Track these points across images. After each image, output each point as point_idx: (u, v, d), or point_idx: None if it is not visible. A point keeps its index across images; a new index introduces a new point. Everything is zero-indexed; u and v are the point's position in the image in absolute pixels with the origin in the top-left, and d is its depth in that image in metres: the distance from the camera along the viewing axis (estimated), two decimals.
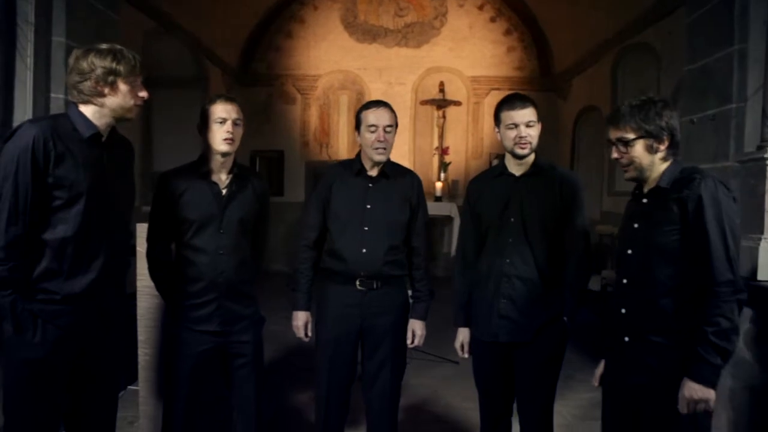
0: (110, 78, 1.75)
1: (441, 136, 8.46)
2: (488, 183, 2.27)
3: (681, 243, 1.66)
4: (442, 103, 8.37)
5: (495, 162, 2.11)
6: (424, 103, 8.43)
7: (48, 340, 1.71)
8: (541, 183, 2.16)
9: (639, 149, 1.71)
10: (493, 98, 8.47)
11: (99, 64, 1.74)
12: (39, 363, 1.71)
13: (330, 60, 8.56)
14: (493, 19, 8.48)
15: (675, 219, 1.66)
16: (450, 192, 8.23)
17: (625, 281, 1.78)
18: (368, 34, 8.55)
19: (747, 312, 2.62)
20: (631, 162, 1.73)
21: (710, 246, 1.60)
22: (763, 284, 2.48)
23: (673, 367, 1.65)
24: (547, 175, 2.18)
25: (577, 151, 7.79)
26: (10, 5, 2.50)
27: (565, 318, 2.15)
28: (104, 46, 1.78)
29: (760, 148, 2.54)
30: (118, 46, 1.80)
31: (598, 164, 7.08)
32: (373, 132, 2.25)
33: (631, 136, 1.71)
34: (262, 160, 8.52)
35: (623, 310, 1.77)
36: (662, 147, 1.70)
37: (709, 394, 1.61)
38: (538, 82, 8.41)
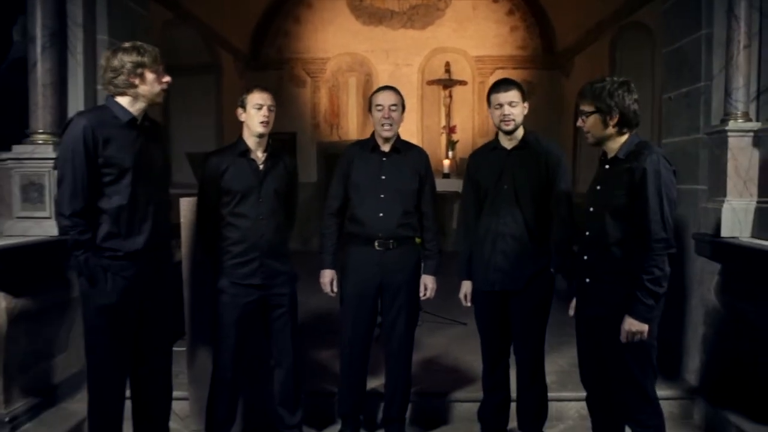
0: (138, 70, 2.10)
1: (448, 115, 8.70)
2: (485, 156, 2.64)
3: (628, 205, 2.01)
4: (448, 83, 8.59)
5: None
6: (431, 83, 8.68)
7: (117, 288, 2.09)
8: (528, 155, 2.52)
9: (592, 121, 2.08)
10: (497, 77, 8.68)
11: (127, 59, 2.09)
12: (112, 308, 2.09)
13: (338, 43, 8.81)
14: (495, 0, 8.70)
15: (624, 185, 2.02)
16: (458, 169, 8.46)
17: (587, 233, 2.15)
18: (374, 16, 8.78)
19: (715, 266, 2.98)
20: (589, 132, 2.11)
21: (649, 210, 1.95)
22: (725, 240, 2.81)
23: (622, 301, 2.03)
24: (534, 148, 2.53)
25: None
26: (62, 9, 2.84)
27: (552, 270, 2.53)
28: (127, 44, 2.13)
29: (722, 121, 2.85)
30: (139, 42, 2.16)
31: None
32: (379, 111, 2.63)
33: (587, 109, 2.08)
34: (275, 142, 8.73)
35: (585, 257, 2.15)
36: (612, 122, 2.05)
37: (643, 327, 1.99)
38: (541, 61, 8.64)
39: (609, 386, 2.16)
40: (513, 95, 2.46)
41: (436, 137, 8.76)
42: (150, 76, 2.13)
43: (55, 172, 2.69)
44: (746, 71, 2.78)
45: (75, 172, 2.03)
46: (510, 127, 2.48)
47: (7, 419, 2.52)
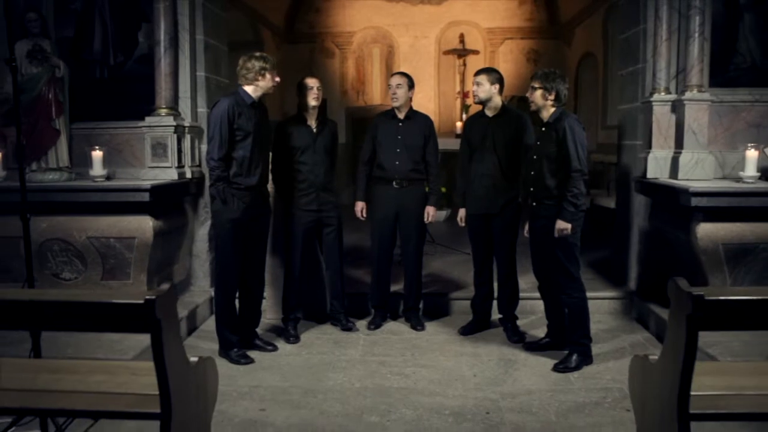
0: (262, 71, 3.22)
1: (462, 82, 9.55)
2: (474, 121, 3.76)
3: (556, 152, 3.11)
4: (462, 53, 9.46)
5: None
6: (447, 53, 9.57)
7: (240, 208, 3.25)
8: (504, 120, 3.61)
9: (537, 94, 3.15)
10: (507, 47, 9.60)
11: (257, 64, 3.21)
12: (236, 221, 3.25)
13: (363, 18, 9.73)
14: None
15: (553, 139, 3.11)
16: None
17: (532, 173, 3.27)
18: None
19: (645, 199, 4.05)
20: (533, 101, 3.17)
21: (569, 153, 3.05)
22: (650, 181, 3.88)
23: (554, 215, 3.14)
24: (509, 116, 3.62)
25: (580, 91, 8.95)
26: (175, 19, 3.98)
27: (519, 200, 3.65)
28: (257, 53, 3.26)
29: (650, 94, 3.88)
30: (265, 54, 3.27)
31: (594, 102, 8.28)
32: (390, 89, 3.84)
33: (536, 85, 3.15)
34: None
35: (531, 189, 3.28)
36: (550, 98, 3.12)
37: (568, 226, 3.10)
38: (545, 32, 9.47)
39: (549, 273, 3.30)
40: (479, 78, 3.55)
41: (452, 102, 9.70)
42: (269, 76, 3.26)
43: (175, 135, 3.90)
44: (667, 57, 3.79)
45: (221, 132, 3.14)
46: (475, 100, 3.61)
47: None
